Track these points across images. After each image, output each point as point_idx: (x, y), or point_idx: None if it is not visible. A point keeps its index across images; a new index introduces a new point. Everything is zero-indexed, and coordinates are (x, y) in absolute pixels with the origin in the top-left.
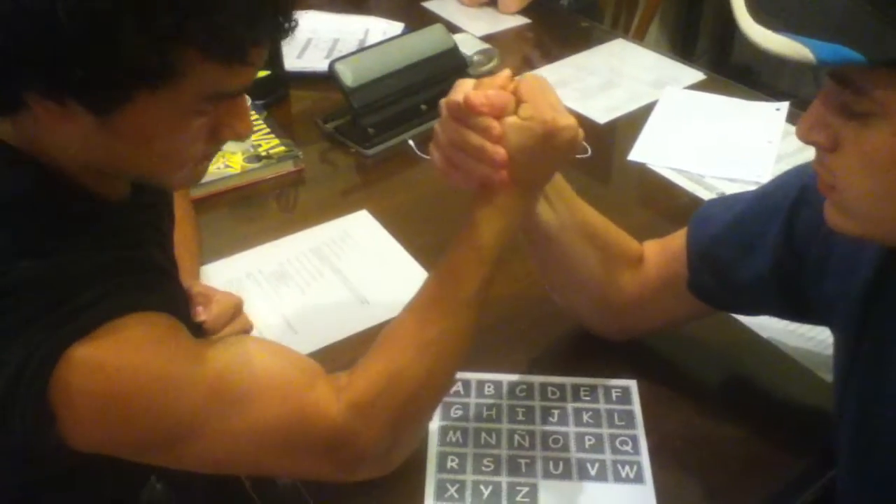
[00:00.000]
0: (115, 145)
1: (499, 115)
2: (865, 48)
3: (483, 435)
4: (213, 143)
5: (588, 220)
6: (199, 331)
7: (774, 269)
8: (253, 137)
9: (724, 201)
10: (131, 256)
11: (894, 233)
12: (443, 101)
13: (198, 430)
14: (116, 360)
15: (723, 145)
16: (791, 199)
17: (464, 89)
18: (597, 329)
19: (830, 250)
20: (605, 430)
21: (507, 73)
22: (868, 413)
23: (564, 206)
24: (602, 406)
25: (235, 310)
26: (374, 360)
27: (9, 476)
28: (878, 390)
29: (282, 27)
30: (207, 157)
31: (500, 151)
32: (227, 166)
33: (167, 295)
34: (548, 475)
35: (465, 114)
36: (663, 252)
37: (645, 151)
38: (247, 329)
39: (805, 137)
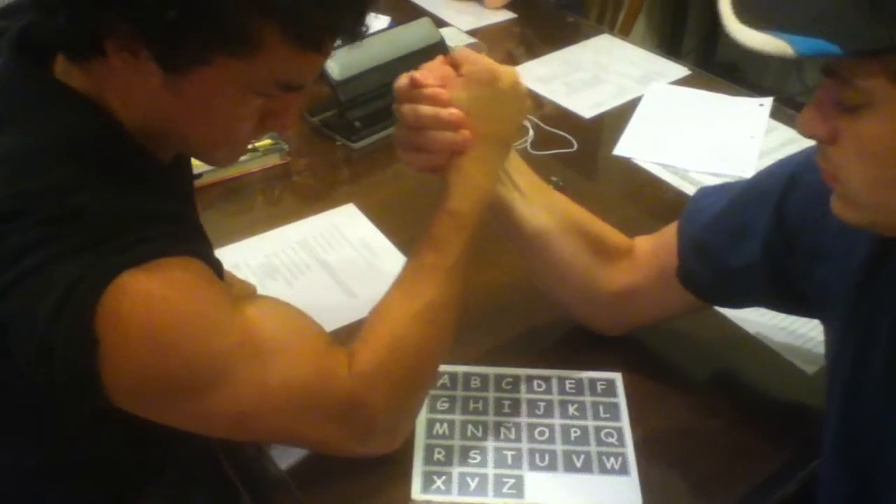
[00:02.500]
0: (173, 109)
1: (443, 83)
2: (841, 39)
3: (469, 427)
4: (261, 129)
5: (567, 211)
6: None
7: (765, 256)
8: None
9: (716, 190)
10: (181, 212)
11: None
12: (394, 89)
13: (225, 377)
14: (164, 292)
15: (707, 140)
16: (781, 186)
17: (408, 75)
18: (585, 321)
19: (822, 236)
20: (591, 423)
21: (441, 56)
22: (852, 404)
23: (538, 197)
24: (587, 398)
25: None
26: (373, 333)
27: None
28: (861, 381)
29: (361, 22)
30: (249, 140)
31: (454, 112)
32: None
33: (204, 245)
34: (534, 467)
35: (414, 92)
36: (654, 245)
37: (630, 146)
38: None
39: (804, 131)
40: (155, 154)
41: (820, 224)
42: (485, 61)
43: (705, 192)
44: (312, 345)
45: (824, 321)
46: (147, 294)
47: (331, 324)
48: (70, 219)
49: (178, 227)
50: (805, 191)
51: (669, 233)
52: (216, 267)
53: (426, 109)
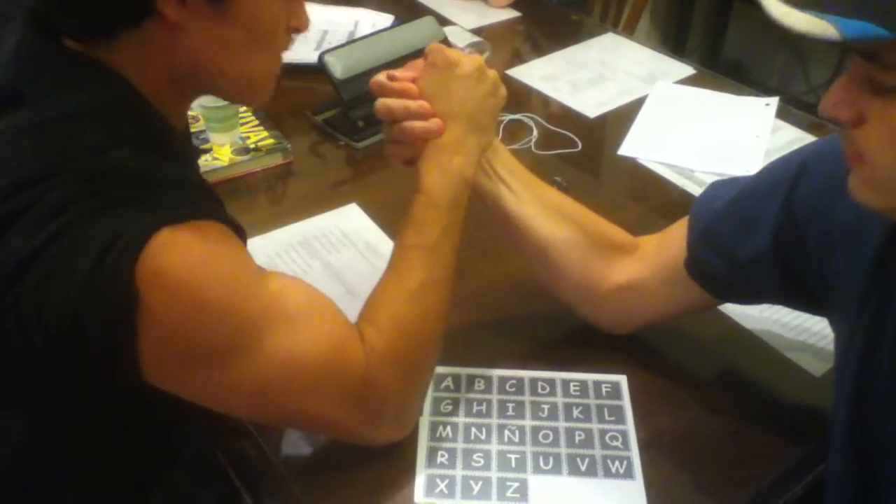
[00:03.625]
0: (224, 41)
1: (413, 79)
2: (889, 23)
3: (473, 430)
4: (287, 36)
5: (560, 205)
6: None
7: (774, 247)
8: (241, 129)
9: (727, 182)
10: (203, 182)
11: None
12: (370, 85)
13: (254, 341)
14: (203, 251)
15: (713, 140)
16: (791, 176)
17: (385, 72)
18: (589, 318)
19: (832, 227)
20: (595, 426)
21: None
22: (859, 405)
23: (523, 188)
24: (592, 401)
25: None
26: (375, 314)
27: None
28: (870, 379)
29: None
30: (282, 56)
31: (422, 104)
32: (216, 159)
33: (237, 225)
34: (538, 470)
35: (386, 87)
36: (660, 240)
37: (635, 146)
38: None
39: (829, 112)
40: (171, 120)
41: (830, 214)
42: (446, 50)
43: (716, 185)
44: (334, 318)
45: (833, 319)
46: (187, 252)
47: None
48: (105, 176)
49: (205, 194)
50: (815, 181)
51: (677, 228)
52: (242, 236)
53: (395, 102)
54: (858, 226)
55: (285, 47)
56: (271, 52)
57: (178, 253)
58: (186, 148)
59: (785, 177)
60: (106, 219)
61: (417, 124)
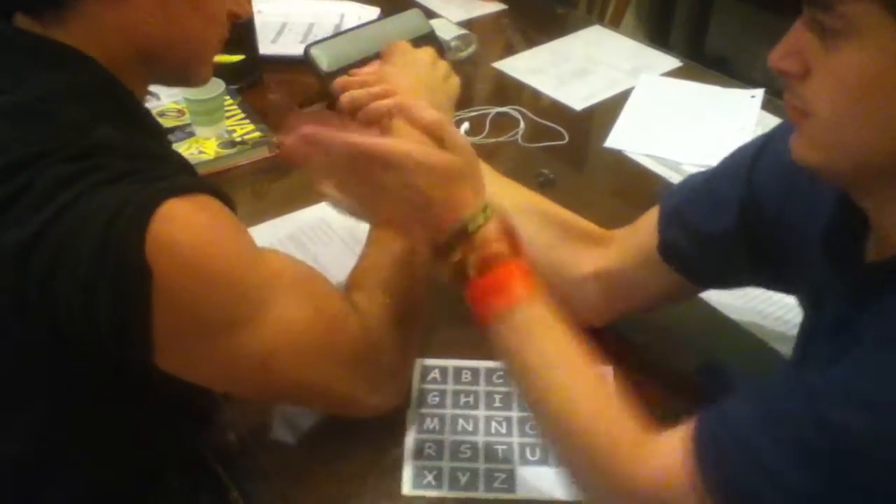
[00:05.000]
0: (163, 20)
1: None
2: None
3: (460, 421)
4: (229, 18)
5: (524, 195)
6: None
7: (740, 225)
8: (227, 123)
9: (697, 173)
10: (183, 158)
11: (860, 161)
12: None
13: (259, 310)
14: (208, 221)
15: (699, 132)
16: (752, 154)
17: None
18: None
19: (790, 200)
20: None
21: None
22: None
23: (491, 186)
24: None
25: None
26: (363, 281)
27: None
28: (809, 356)
29: None
30: (220, 43)
31: (385, 86)
32: (201, 152)
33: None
34: (525, 461)
35: (349, 81)
36: (633, 229)
37: (621, 138)
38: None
39: (776, 65)
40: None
41: (787, 189)
42: (400, 44)
43: (686, 178)
44: (329, 288)
45: (797, 296)
46: (192, 223)
47: None
48: (97, 152)
49: (189, 170)
50: (773, 158)
51: (648, 215)
52: (233, 209)
53: (359, 91)
54: (812, 199)
55: (224, 31)
56: (213, 23)
57: (185, 224)
58: (158, 126)
59: (746, 157)
60: (105, 194)
61: (383, 102)
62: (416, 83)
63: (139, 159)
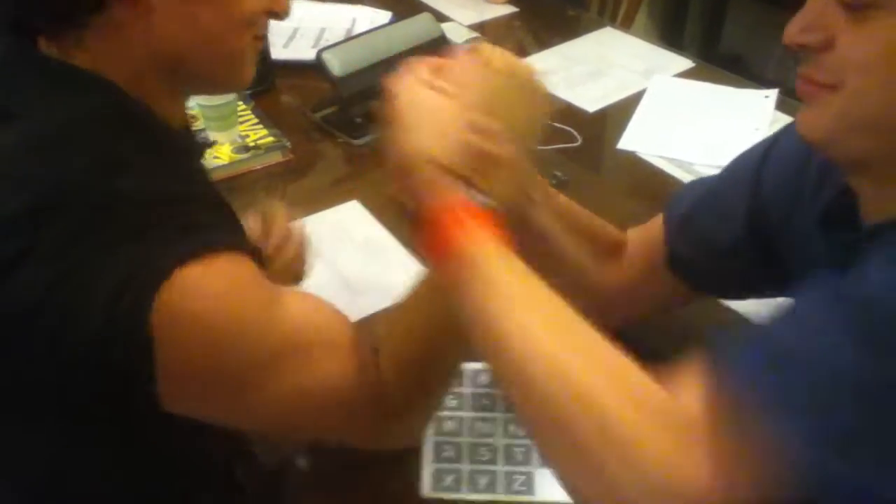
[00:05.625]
0: (188, 38)
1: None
2: None
3: (479, 424)
4: (264, 21)
5: (570, 212)
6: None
7: (750, 232)
8: (240, 128)
9: (699, 180)
10: (207, 191)
11: (882, 134)
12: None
13: (271, 376)
14: (219, 289)
15: (712, 133)
16: (756, 161)
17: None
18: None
19: (796, 205)
20: None
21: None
22: None
23: (547, 202)
24: None
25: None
26: (393, 329)
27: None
28: None
29: None
30: (260, 37)
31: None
32: (216, 157)
33: (240, 231)
34: (544, 464)
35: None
36: (643, 237)
37: (635, 140)
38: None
39: (796, 38)
40: (166, 118)
41: (793, 195)
42: (505, 53)
43: (689, 183)
44: (349, 343)
45: None
46: (203, 291)
47: None
48: (113, 205)
49: (218, 212)
50: (778, 164)
51: (657, 224)
52: (255, 255)
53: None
54: (815, 200)
55: (261, 29)
56: (242, 28)
57: (196, 294)
58: (189, 147)
59: (750, 165)
60: (116, 258)
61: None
62: (490, 94)
63: (159, 206)
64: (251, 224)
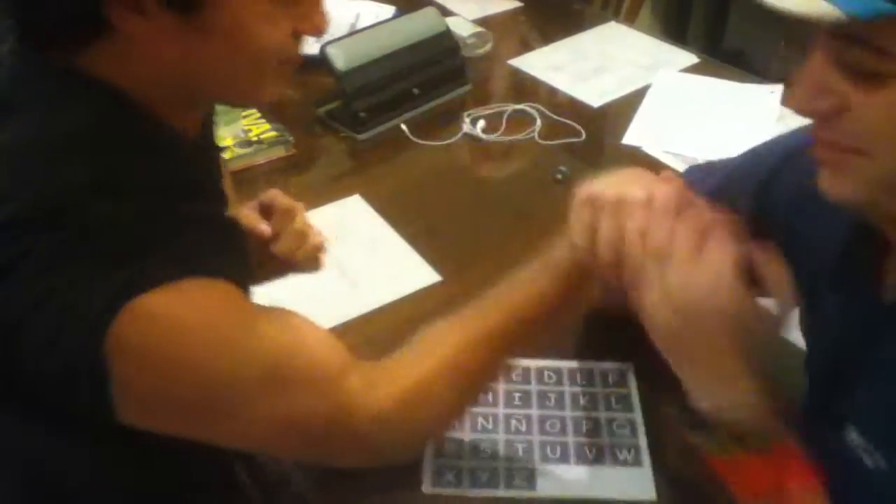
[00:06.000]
0: (203, 57)
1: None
2: None
3: (480, 420)
4: (297, 40)
5: None
6: (270, 264)
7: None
8: (243, 122)
9: (704, 169)
10: (207, 212)
11: None
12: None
13: (243, 408)
14: (182, 316)
15: (717, 128)
16: (765, 175)
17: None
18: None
19: (793, 235)
20: (603, 414)
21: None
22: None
23: None
24: (599, 390)
25: (302, 224)
26: (400, 370)
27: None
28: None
29: None
30: (292, 58)
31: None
32: None
33: (238, 252)
34: (545, 459)
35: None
36: None
37: (639, 135)
38: (318, 247)
39: (807, 107)
40: (181, 128)
41: (794, 224)
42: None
43: (691, 170)
44: (334, 378)
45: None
46: (160, 319)
47: (335, 317)
48: (96, 230)
49: (203, 234)
50: (786, 188)
51: None
52: (245, 258)
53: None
54: (826, 227)
55: (293, 58)
56: (264, 63)
57: (151, 322)
58: (200, 156)
59: (756, 178)
60: (88, 283)
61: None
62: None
63: (145, 234)
64: (246, 212)
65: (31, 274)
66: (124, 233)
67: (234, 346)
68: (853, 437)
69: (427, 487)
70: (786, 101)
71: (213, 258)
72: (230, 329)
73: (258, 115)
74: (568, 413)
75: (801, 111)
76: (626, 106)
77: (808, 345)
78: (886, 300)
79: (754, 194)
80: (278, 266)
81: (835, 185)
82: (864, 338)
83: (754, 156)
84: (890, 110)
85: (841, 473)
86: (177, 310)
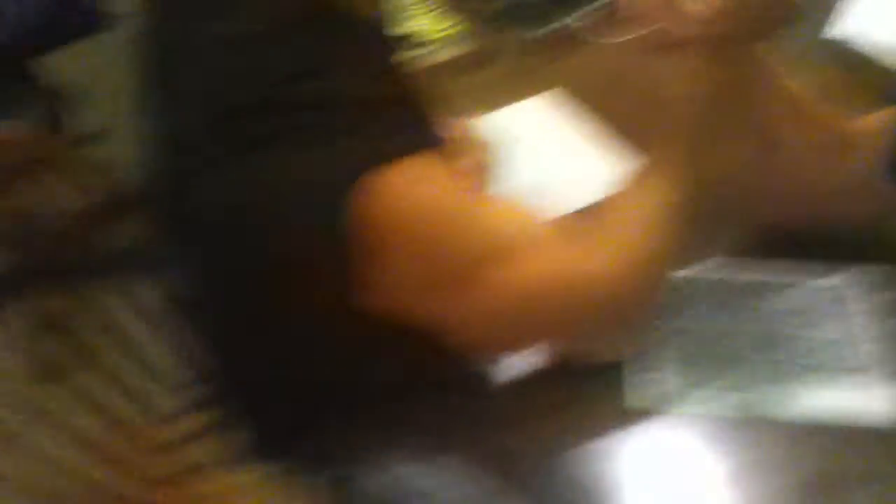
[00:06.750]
0: None
1: None
2: None
3: (685, 338)
4: None
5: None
6: None
7: None
8: (416, 21)
9: None
10: (403, 92)
11: None
12: None
13: (480, 272)
14: (420, 190)
15: None
16: None
17: None
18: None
19: None
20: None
21: None
22: None
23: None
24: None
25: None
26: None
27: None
28: None
29: None
30: None
31: None
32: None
33: (431, 130)
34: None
35: None
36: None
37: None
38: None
39: None
40: (360, 11)
41: None
42: None
43: None
44: (553, 240)
45: None
46: (404, 192)
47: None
48: (311, 108)
49: (409, 112)
50: None
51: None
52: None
53: None
54: None
55: None
56: None
57: (397, 195)
58: (385, 36)
59: None
60: (322, 156)
61: None
62: None
63: (354, 109)
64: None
65: (247, 155)
66: (346, 107)
67: (463, 213)
68: None
69: (630, 403)
70: None
71: (421, 135)
72: (456, 199)
73: (432, 10)
74: (782, 330)
75: None
76: None
77: None
78: None
79: None
80: None
81: None
82: None
83: None
84: None
85: None
86: (414, 183)
